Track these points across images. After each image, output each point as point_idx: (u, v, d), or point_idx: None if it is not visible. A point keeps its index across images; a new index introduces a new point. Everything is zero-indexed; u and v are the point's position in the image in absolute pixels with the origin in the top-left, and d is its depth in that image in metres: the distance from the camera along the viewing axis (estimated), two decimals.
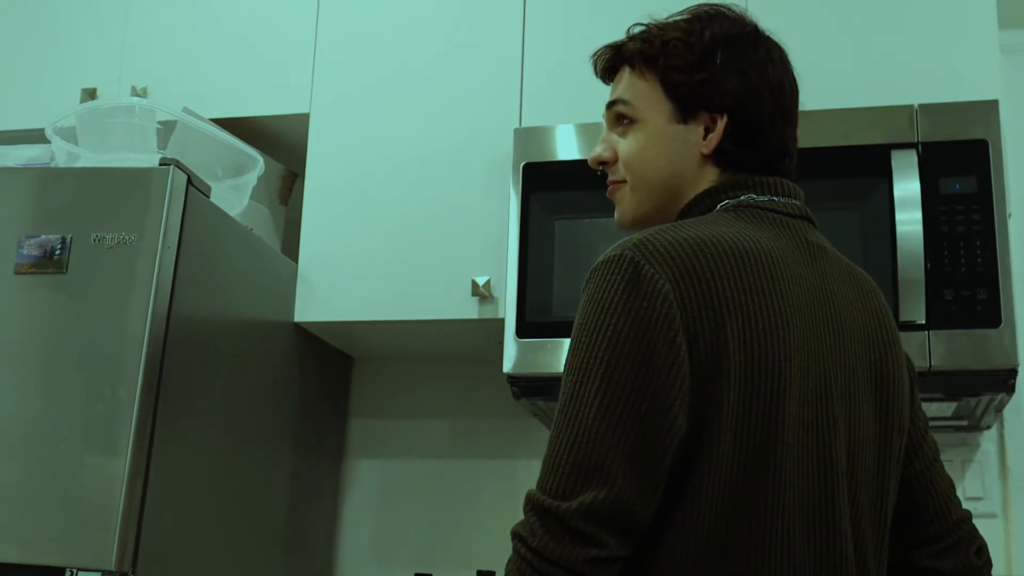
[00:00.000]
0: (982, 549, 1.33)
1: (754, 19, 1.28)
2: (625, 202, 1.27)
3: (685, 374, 1.03)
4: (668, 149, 1.23)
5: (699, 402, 1.04)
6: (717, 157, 1.23)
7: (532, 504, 1.03)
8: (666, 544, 1.05)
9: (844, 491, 1.11)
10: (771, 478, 1.05)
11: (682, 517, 1.04)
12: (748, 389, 1.05)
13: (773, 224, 1.18)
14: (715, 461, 1.04)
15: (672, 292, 1.05)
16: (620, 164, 1.27)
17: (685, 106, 1.22)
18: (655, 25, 1.27)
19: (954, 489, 1.35)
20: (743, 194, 1.20)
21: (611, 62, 1.30)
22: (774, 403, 1.06)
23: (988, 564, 1.33)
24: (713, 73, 1.21)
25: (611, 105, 1.28)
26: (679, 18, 1.27)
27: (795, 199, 1.23)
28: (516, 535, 1.03)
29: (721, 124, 1.21)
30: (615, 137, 1.28)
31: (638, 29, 1.28)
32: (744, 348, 1.05)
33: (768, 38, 1.27)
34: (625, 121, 1.27)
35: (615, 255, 1.08)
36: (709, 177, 1.23)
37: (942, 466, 1.34)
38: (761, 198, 1.20)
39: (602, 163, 1.29)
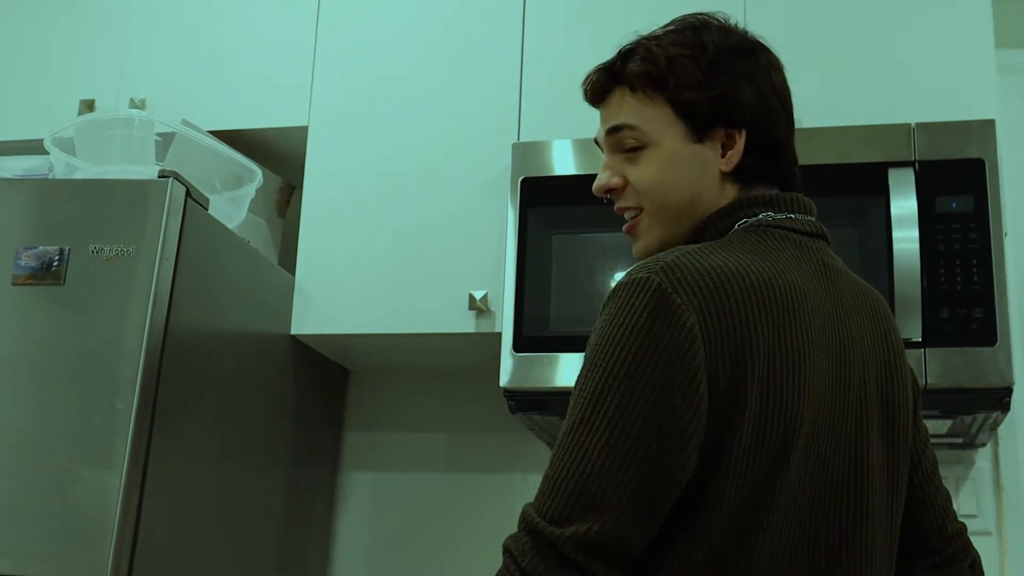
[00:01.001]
0: (976, 564, 1.33)
1: (737, 23, 1.24)
2: (648, 233, 1.20)
3: (702, 411, 1.00)
4: (688, 171, 1.18)
5: (712, 438, 1.02)
6: (737, 173, 1.18)
7: (526, 523, 1.01)
8: (661, 573, 1.04)
9: (853, 523, 1.10)
10: (767, 512, 1.04)
11: (680, 547, 1.03)
12: (761, 428, 1.03)
13: (794, 246, 1.15)
14: (720, 495, 1.02)
15: (697, 325, 1.01)
16: (633, 191, 1.20)
17: (700, 124, 1.17)
18: (651, 42, 1.20)
19: (951, 502, 1.34)
20: (761, 212, 1.17)
21: (606, 85, 1.23)
22: (784, 442, 1.04)
23: None
24: (726, 88, 1.17)
25: (613, 131, 1.21)
26: (667, 30, 1.21)
27: (811, 215, 1.20)
28: (507, 550, 1.02)
29: (740, 140, 1.17)
30: (620, 163, 1.21)
31: (630, 47, 1.21)
32: (762, 386, 1.03)
33: (762, 44, 1.23)
34: (633, 146, 1.20)
35: (642, 278, 1.04)
36: (730, 195, 1.19)
37: (940, 479, 1.33)
38: (779, 216, 1.17)
39: (610, 190, 1.22)
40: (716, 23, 1.22)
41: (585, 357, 1.05)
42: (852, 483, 1.11)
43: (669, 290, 1.02)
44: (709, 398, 1.01)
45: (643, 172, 1.19)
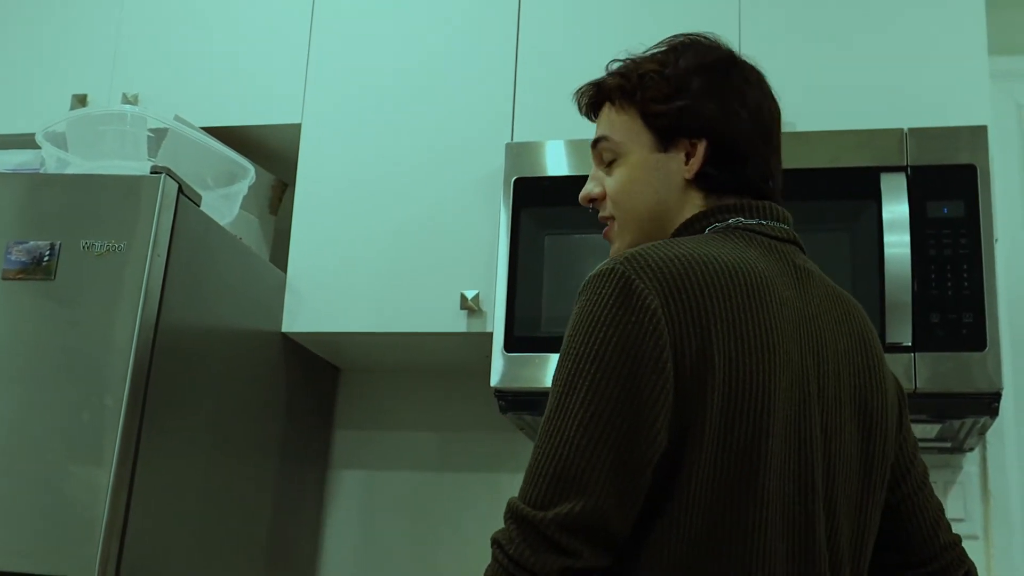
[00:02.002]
0: (970, 574, 1.34)
1: (729, 45, 1.30)
2: (620, 240, 1.28)
3: (669, 390, 1.04)
4: (652, 178, 1.25)
5: (682, 418, 1.05)
6: (700, 181, 1.24)
7: (512, 512, 1.05)
8: (646, 558, 1.06)
9: (822, 513, 1.12)
10: (753, 497, 1.06)
11: (662, 532, 1.05)
12: (731, 407, 1.06)
13: (761, 245, 1.20)
14: (696, 477, 1.05)
15: (660, 307, 1.06)
16: (608, 200, 1.29)
17: (664, 135, 1.24)
18: (632, 59, 1.29)
19: (943, 512, 1.35)
20: (731, 218, 1.22)
21: (594, 99, 1.32)
22: (757, 422, 1.07)
23: None
24: (690, 100, 1.23)
25: (595, 143, 1.30)
26: (656, 51, 1.29)
27: (783, 223, 1.24)
28: (495, 542, 1.05)
29: (701, 148, 1.23)
30: (602, 174, 1.30)
31: (616, 65, 1.31)
32: (728, 366, 1.06)
33: (744, 62, 1.29)
34: (610, 157, 1.29)
35: (606, 269, 1.10)
36: (695, 202, 1.24)
37: (931, 489, 1.34)
38: (750, 221, 1.22)
39: (592, 200, 1.31)
40: (702, 43, 1.29)
41: (560, 350, 1.10)
42: (824, 477, 1.13)
43: (632, 276, 1.08)
44: (676, 377, 1.05)
45: (615, 182, 1.28)
